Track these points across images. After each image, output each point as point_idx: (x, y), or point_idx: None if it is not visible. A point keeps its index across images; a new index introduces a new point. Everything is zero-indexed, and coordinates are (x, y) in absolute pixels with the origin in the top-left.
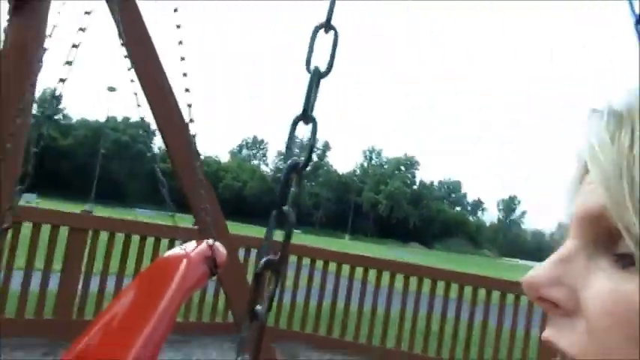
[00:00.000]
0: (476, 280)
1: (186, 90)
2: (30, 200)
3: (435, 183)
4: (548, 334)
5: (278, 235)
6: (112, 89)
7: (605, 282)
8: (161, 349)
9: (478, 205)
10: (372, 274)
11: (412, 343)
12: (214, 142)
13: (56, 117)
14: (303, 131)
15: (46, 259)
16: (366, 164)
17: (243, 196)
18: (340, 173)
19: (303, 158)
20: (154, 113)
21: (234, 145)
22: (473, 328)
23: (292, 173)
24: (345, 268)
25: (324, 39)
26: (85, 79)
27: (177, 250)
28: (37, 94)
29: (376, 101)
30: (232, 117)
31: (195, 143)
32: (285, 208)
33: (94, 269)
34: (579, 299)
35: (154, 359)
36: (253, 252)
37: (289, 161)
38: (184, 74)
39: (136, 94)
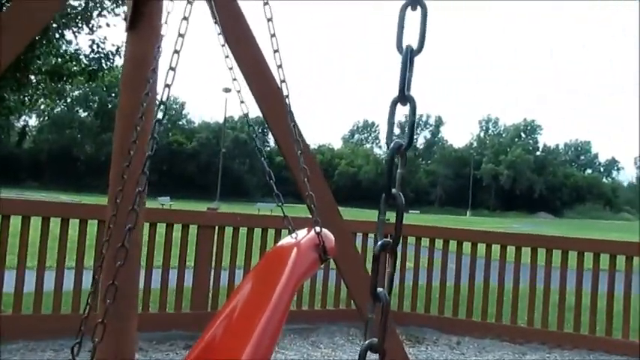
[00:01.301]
0: (614, 247)
1: (282, 81)
2: (164, 202)
3: (561, 146)
4: None
5: (393, 218)
6: (227, 90)
7: None
8: (281, 334)
9: (612, 164)
10: (496, 249)
11: (545, 319)
12: (326, 130)
13: (180, 122)
14: (406, 111)
15: (180, 256)
16: (482, 135)
17: (358, 180)
18: (456, 148)
19: (405, 139)
20: (260, 107)
21: (346, 130)
22: (617, 300)
23: (396, 155)
24: (467, 246)
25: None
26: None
27: (288, 240)
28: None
29: (487, 68)
30: (341, 103)
31: (294, 132)
32: (394, 190)
33: (223, 264)
34: None
35: (273, 345)
36: (370, 237)
37: (392, 144)
38: (279, 66)
39: (239, 91)
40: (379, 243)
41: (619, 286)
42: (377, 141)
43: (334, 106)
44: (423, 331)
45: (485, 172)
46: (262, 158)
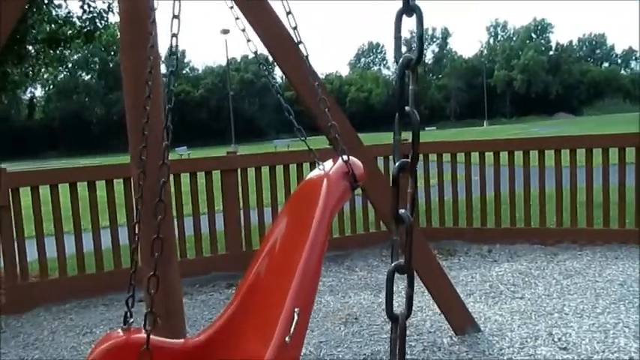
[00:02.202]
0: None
1: (288, 13)
2: (182, 153)
3: (575, 42)
4: None
5: (405, 137)
6: (225, 31)
7: None
8: (322, 264)
9: (630, 54)
10: (518, 155)
11: (574, 218)
12: (332, 58)
13: (183, 71)
14: (412, 24)
15: (207, 202)
16: (492, 41)
17: (370, 104)
18: (466, 58)
19: (414, 53)
20: (265, 45)
21: (352, 56)
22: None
23: (406, 71)
24: (489, 156)
25: None
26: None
27: (317, 172)
28: (162, 53)
29: None
30: (344, 28)
31: (309, 63)
32: (407, 108)
33: (250, 203)
34: None
35: (317, 275)
36: (391, 159)
37: (401, 59)
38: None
39: (243, 29)
40: (397, 164)
41: None
42: (384, 62)
43: (337, 32)
44: (454, 243)
45: (498, 79)
46: (278, 94)
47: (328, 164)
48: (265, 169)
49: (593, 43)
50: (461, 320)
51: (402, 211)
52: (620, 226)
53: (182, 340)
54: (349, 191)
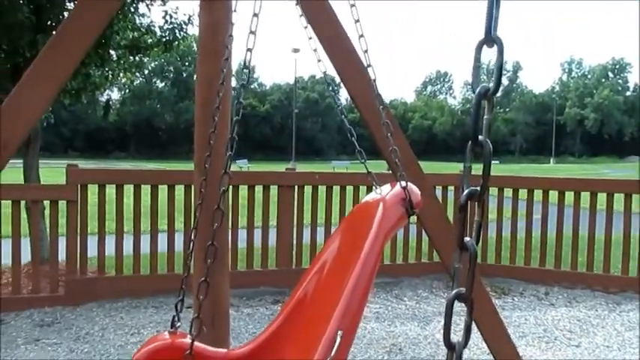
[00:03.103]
0: None
1: (361, 36)
2: (242, 165)
3: None
4: None
5: (476, 169)
6: (296, 50)
7: None
8: (371, 289)
9: None
10: (585, 197)
11: None
12: (398, 84)
13: (252, 86)
14: (489, 55)
15: (263, 216)
16: (565, 78)
17: (433, 133)
18: (536, 93)
19: (492, 83)
20: (334, 65)
21: (419, 83)
22: None
23: (483, 100)
24: (553, 195)
25: None
26: (274, 46)
27: (373, 195)
28: (234, 67)
29: (567, 6)
30: (413, 55)
31: (375, 87)
32: (481, 137)
33: (304, 221)
34: None
35: (365, 299)
36: (450, 190)
37: (478, 88)
38: (357, 20)
39: (315, 50)
40: (466, 191)
41: None
42: (450, 91)
43: (406, 58)
44: (509, 282)
45: (569, 117)
46: (342, 116)
47: (386, 188)
48: (322, 189)
49: None
50: None
51: (467, 239)
52: None
53: (225, 350)
54: (405, 217)
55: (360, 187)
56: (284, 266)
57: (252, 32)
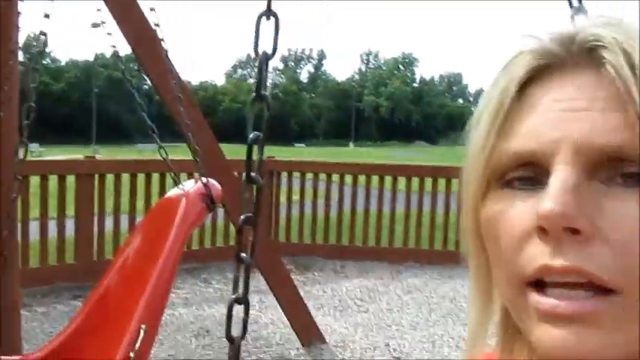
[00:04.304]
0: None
1: (151, 9)
2: (34, 150)
3: (436, 78)
4: (572, 261)
5: (274, 151)
6: (95, 25)
7: (626, 207)
8: (174, 280)
9: (480, 94)
10: (375, 179)
11: (418, 239)
12: (208, 66)
13: (44, 62)
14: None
15: (59, 207)
16: (364, 68)
17: (243, 116)
18: (339, 81)
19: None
20: (128, 41)
21: (229, 66)
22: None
23: (264, 65)
24: (349, 178)
25: None
26: (68, 19)
27: (176, 190)
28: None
29: (368, 3)
30: (223, 37)
31: (174, 70)
32: (253, 174)
33: (107, 210)
34: (596, 225)
35: (167, 293)
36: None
37: (260, 53)
38: (152, 9)
39: (103, 22)
40: (242, 217)
41: None
42: (269, 52)
43: (216, 41)
44: (311, 259)
45: (366, 103)
46: (138, 99)
47: (188, 184)
48: (126, 176)
49: (451, 80)
50: (308, 333)
51: (243, 254)
52: (456, 248)
53: (18, 357)
54: (205, 212)
55: (167, 174)
56: (84, 259)
57: (46, 16)
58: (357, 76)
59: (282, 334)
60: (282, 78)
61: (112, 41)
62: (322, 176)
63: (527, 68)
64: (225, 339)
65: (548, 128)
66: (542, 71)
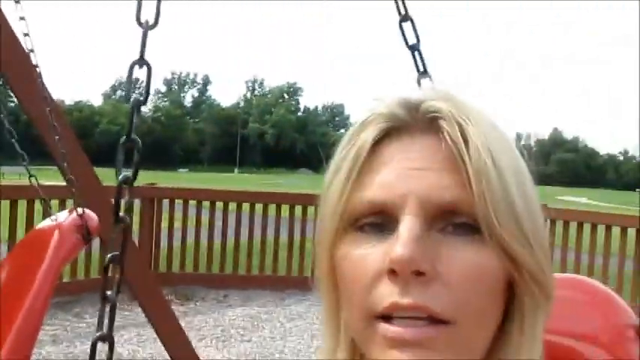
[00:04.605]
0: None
1: (22, 18)
2: None
3: (320, 108)
4: (416, 299)
5: (158, 177)
6: None
7: (458, 253)
8: (45, 315)
9: None
10: (259, 207)
11: (302, 266)
12: (84, 86)
13: None
14: (189, 66)
15: None
16: (249, 95)
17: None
18: (224, 107)
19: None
20: None
21: (107, 87)
22: None
23: (136, 110)
24: (233, 205)
25: None
26: None
27: (48, 222)
28: None
29: (254, 31)
30: (101, 57)
31: (48, 95)
32: (121, 214)
33: None
34: (436, 269)
35: (36, 332)
36: (137, 200)
37: (132, 99)
38: (22, 18)
39: None
40: (108, 256)
41: None
42: (141, 98)
43: (93, 59)
44: (192, 289)
45: (252, 130)
46: (7, 124)
47: (62, 215)
48: None
49: (334, 110)
50: None
51: (108, 292)
52: None
53: None
54: (81, 244)
55: (35, 200)
56: None
57: None
58: (242, 103)
59: None
60: (165, 101)
61: None
62: (205, 204)
63: (379, 130)
64: None
65: (397, 183)
66: (391, 132)
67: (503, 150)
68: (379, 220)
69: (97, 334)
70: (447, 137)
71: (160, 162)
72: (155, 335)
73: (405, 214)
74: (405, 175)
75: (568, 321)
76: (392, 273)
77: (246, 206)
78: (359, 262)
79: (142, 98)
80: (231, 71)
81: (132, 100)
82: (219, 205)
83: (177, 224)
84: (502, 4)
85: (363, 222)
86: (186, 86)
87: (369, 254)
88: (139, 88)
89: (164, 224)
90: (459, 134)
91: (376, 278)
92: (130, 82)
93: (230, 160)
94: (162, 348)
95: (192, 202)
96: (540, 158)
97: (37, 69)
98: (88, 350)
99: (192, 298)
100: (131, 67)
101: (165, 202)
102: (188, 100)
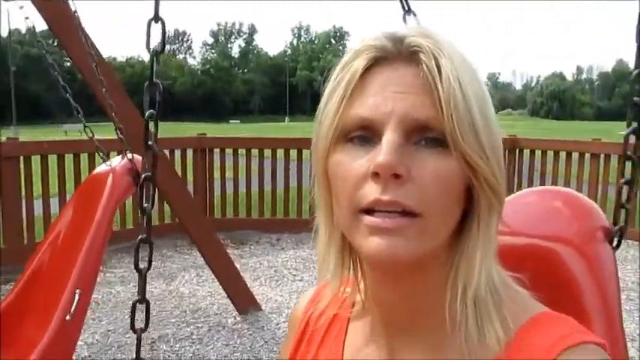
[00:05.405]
0: None
1: None
2: None
3: None
4: (394, 196)
5: (208, 128)
6: None
7: (429, 161)
8: (106, 247)
9: None
10: (306, 153)
11: None
12: (135, 41)
13: None
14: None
15: None
16: (295, 42)
17: (173, 93)
18: (271, 55)
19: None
20: (44, 17)
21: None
22: None
23: (155, 58)
24: (280, 152)
25: None
26: None
27: (103, 167)
28: None
29: None
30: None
31: (93, 51)
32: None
33: (35, 194)
34: (411, 172)
35: (99, 261)
36: (189, 151)
37: (151, 49)
38: None
39: (21, 7)
40: (143, 175)
41: None
42: (190, 51)
43: (143, 14)
44: (247, 233)
45: (300, 78)
46: (55, 72)
47: (115, 160)
48: (53, 157)
49: None
50: (245, 302)
51: (145, 204)
52: None
53: None
54: (132, 186)
55: (95, 154)
56: (14, 244)
57: None
58: (289, 51)
59: (219, 305)
60: (213, 53)
61: (29, 22)
62: (255, 152)
63: (369, 58)
64: (163, 313)
65: (382, 103)
66: (379, 61)
67: (470, 80)
68: (365, 134)
69: (139, 238)
70: (425, 68)
71: (211, 114)
72: (213, 276)
73: (387, 129)
74: (389, 97)
75: (550, 225)
76: (375, 175)
77: (293, 153)
78: (348, 166)
79: (158, 49)
80: (277, 19)
81: (151, 50)
82: (268, 152)
83: (229, 174)
84: (502, 4)
85: (353, 135)
86: (233, 37)
87: (356, 160)
88: (181, 41)
89: (216, 174)
90: (434, 66)
91: (362, 179)
92: (149, 35)
93: (280, 109)
94: (220, 287)
95: (241, 152)
96: (603, 92)
97: (81, 25)
98: (154, 290)
99: (247, 242)
100: (149, 24)
101: (217, 152)
102: (235, 51)
